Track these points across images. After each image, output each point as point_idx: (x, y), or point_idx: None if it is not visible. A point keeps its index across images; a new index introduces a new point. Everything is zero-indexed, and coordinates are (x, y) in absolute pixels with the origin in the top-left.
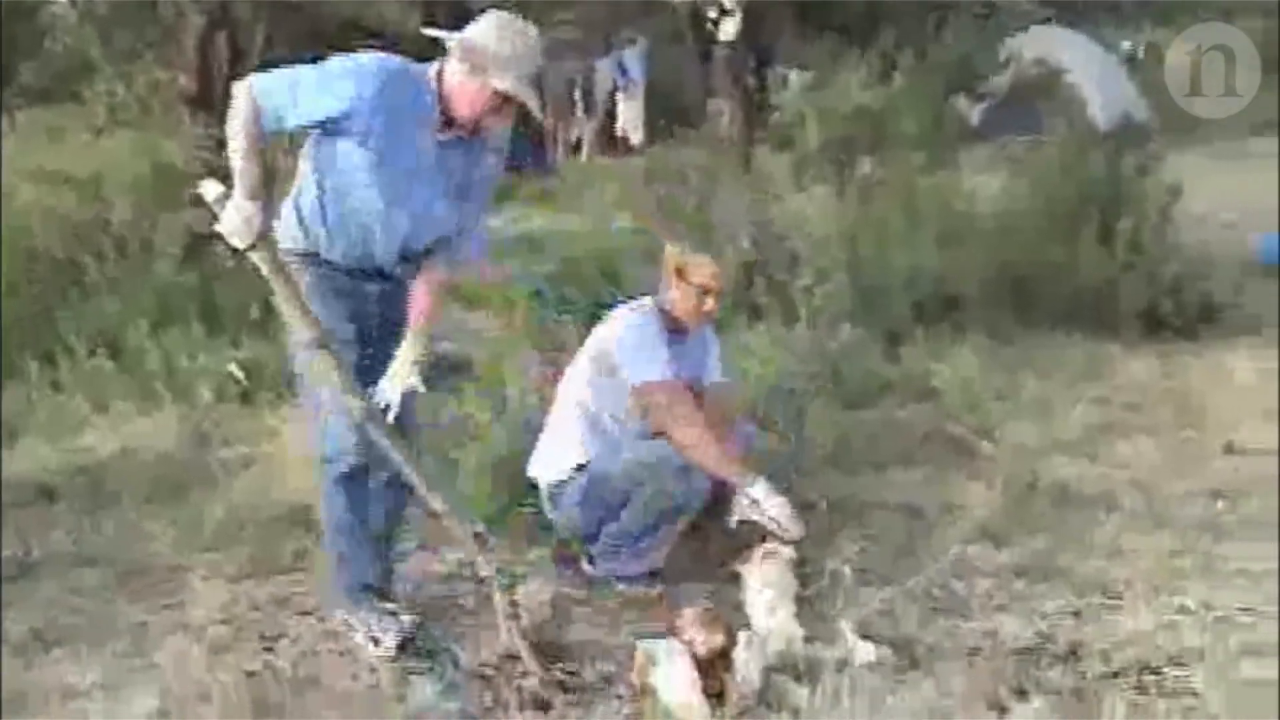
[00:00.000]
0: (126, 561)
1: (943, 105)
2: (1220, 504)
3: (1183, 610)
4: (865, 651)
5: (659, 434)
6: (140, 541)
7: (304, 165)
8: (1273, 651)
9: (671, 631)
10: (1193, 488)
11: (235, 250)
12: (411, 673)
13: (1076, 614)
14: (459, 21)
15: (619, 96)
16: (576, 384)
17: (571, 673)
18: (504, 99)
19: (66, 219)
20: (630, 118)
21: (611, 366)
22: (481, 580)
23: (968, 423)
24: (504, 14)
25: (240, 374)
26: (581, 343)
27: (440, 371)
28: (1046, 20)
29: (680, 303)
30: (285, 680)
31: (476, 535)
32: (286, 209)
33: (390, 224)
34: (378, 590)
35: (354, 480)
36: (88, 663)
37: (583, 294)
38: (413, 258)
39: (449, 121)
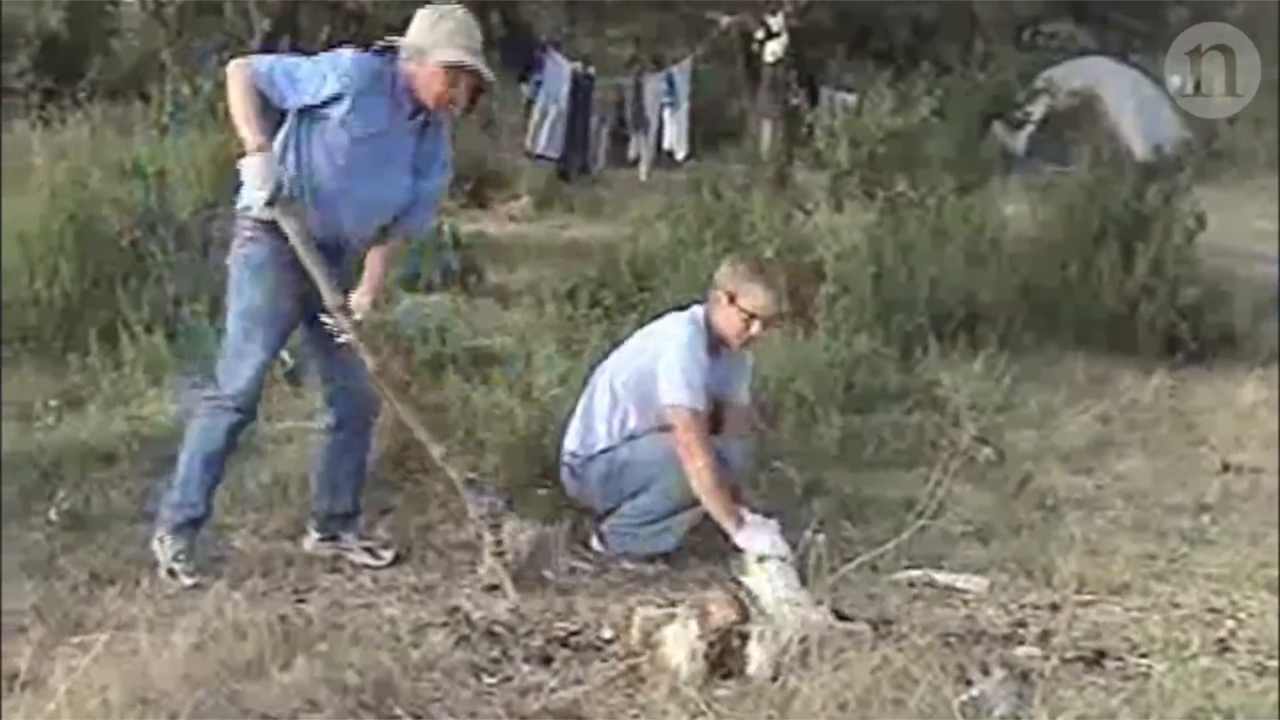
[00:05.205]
0: None
1: (977, 131)
2: (1206, 518)
3: (1151, 608)
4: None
5: None
6: None
7: (275, 147)
8: (1230, 646)
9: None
10: (1183, 501)
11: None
12: (427, 625)
13: (1052, 606)
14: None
15: (665, 112)
16: (616, 375)
17: (574, 632)
18: (454, 73)
19: (133, 208)
20: (674, 133)
21: (652, 373)
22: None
23: (971, 430)
24: (431, 6)
25: (286, 356)
26: (605, 339)
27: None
28: (1093, 52)
29: (726, 324)
30: (314, 624)
31: (469, 481)
32: None
33: (359, 198)
34: (195, 525)
35: (240, 428)
36: (139, 600)
37: (615, 296)
38: (371, 236)
39: (416, 109)
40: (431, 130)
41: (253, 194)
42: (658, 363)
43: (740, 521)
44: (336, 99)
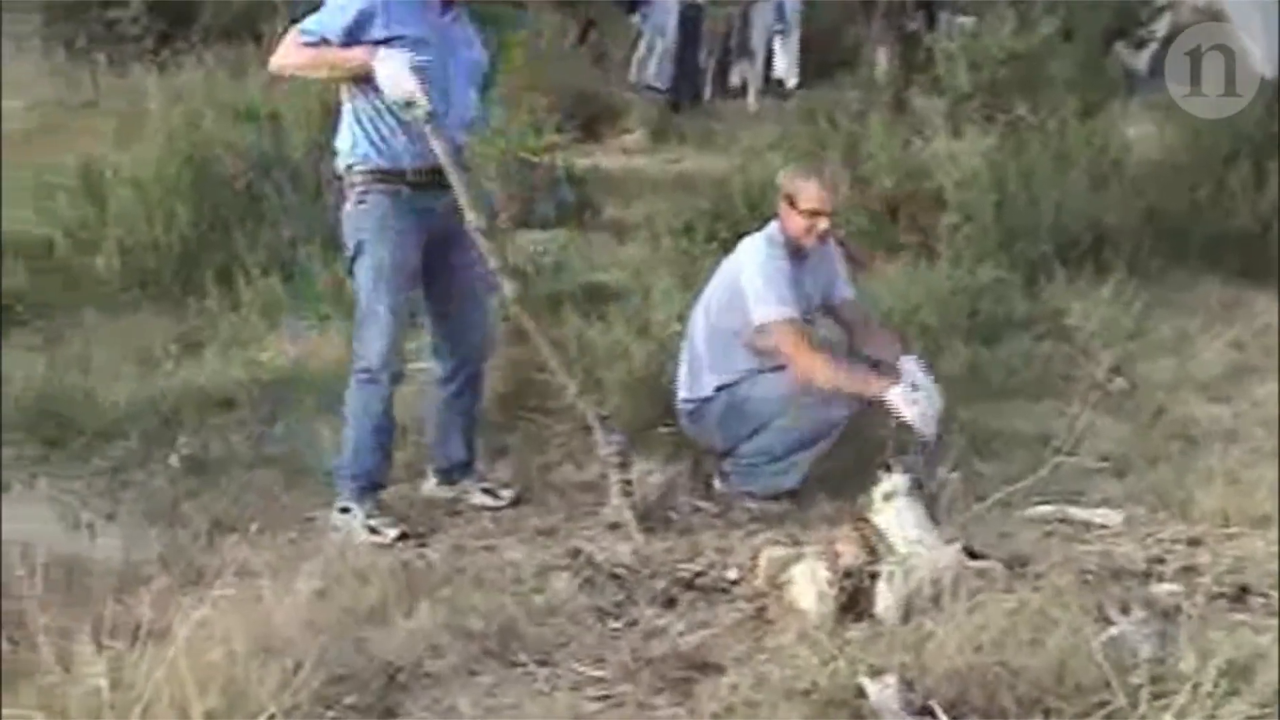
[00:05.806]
0: (297, 463)
1: (1099, 51)
2: None
3: None
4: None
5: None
6: (310, 445)
7: (352, 87)
8: None
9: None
10: None
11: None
12: (550, 568)
13: (1191, 541)
14: None
15: (776, 41)
16: (711, 310)
17: (699, 574)
18: None
19: (246, 150)
20: (785, 61)
21: (739, 291)
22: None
23: (1102, 358)
24: None
25: None
26: None
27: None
28: None
29: (794, 228)
30: (436, 568)
31: (602, 419)
32: (349, 135)
33: (441, 105)
34: (377, 489)
35: (392, 391)
36: (260, 547)
37: (730, 228)
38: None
39: (446, 5)
40: (466, 35)
41: (402, 94)
42: (740, 278)
43: (883, 384)
44: (370, 17)
